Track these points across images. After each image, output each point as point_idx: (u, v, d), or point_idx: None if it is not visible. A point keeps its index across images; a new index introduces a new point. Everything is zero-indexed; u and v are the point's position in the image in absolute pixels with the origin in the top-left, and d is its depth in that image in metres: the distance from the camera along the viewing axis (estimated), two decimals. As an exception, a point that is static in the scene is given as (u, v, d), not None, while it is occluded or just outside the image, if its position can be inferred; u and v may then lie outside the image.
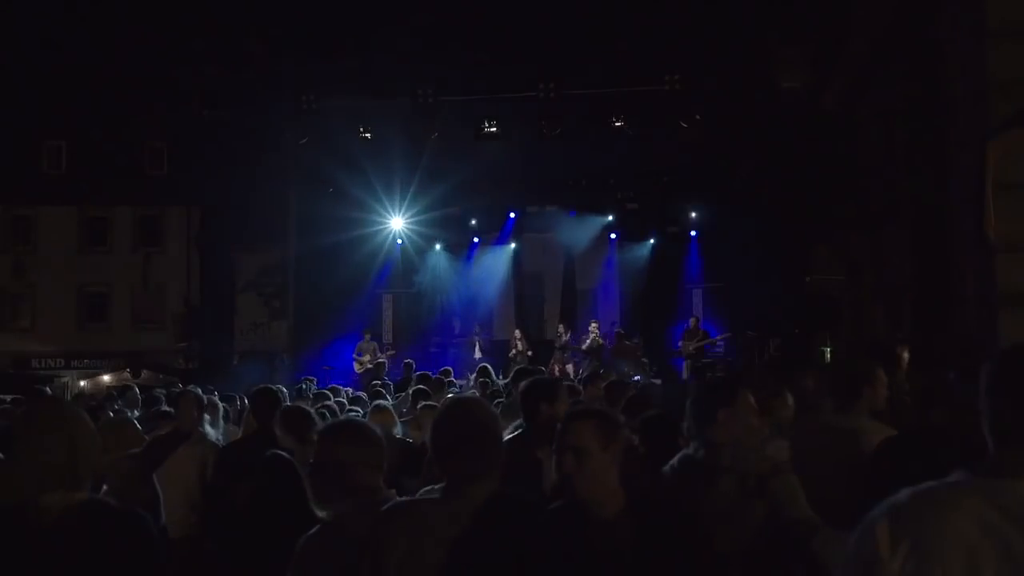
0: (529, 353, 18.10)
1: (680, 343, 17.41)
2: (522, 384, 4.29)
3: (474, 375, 10.44)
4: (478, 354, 18.07)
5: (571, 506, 2.70)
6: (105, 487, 3.30)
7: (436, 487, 2.71)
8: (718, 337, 17.62)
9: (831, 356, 14.78)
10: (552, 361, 17.82)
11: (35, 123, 26.28)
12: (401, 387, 10.46)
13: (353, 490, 2.71)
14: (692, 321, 17.59)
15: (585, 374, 11.58)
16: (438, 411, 2.74)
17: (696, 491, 3.09)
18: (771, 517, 3.01)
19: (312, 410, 5.06)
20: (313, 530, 2.73)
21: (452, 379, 10.69)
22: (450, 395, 7.76)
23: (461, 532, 2.37)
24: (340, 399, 7.92)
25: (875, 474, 3.89)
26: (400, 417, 6.66)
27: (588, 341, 17.51)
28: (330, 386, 9.93)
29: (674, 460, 3.33)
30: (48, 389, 8.23)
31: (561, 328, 18.34)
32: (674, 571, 2.59)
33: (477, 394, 7.98)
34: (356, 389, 10.99)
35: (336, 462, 2.75)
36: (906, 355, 8.58)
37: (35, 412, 2.80)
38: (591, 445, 2.65)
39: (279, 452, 3.63)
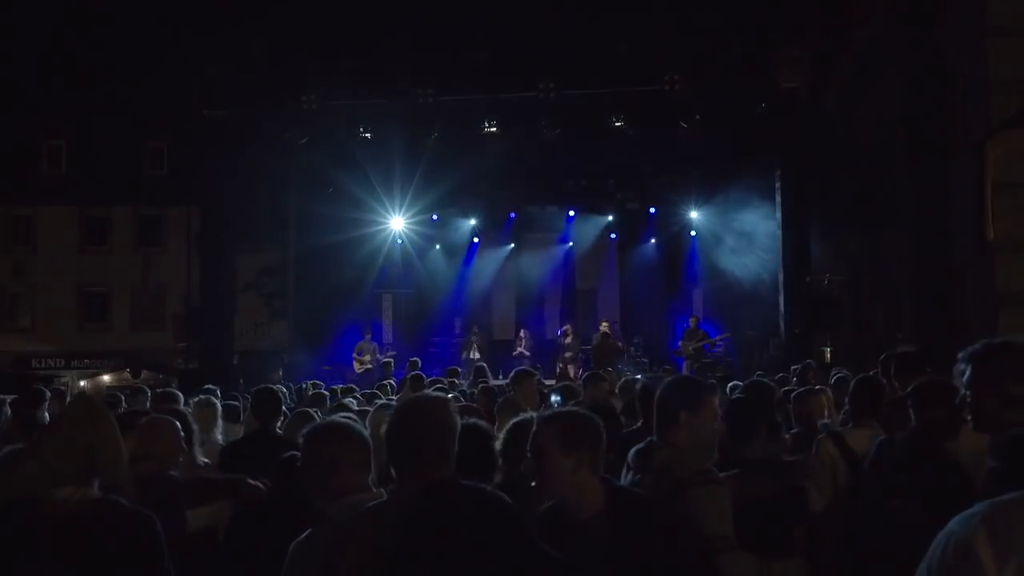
0: (527, 353, 18.14)
1: (680, 343, 17.42)
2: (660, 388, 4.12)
3: (471, 375, 10.46)
4: (476, 354, 18.08)
5: (552, 508, 2.74)
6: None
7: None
8: (717, 337, 17.62)
9: (831, 356, 14.78)
10: (556, 361, 17.83)
11: (35, 123, 26.30)
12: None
13: (341, 491, 2.72)
14: (692, 321, 17.60)
15: (586, 374, 11.58)
16: (392, 412, 2.69)
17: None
18: (684, 525, 2.86)
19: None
20: (304, 534, 2.73)
21: (457, 380, 10.70)
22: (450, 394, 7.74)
23: (394, 525, 2.34)
24: (349, 400, 7.85)
25: (872, 475, 3.89)
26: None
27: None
28: (343, 387, 9.89)
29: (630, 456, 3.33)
30: (43, 388, 8.15)
31: (569, 328, 18.36)
32: (649, 573, 2.57)
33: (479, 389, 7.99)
34: (358, 389, 10.97)
35: (322, 463, 2.76)
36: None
37: (62, 410, 2.86)
38: (551, 448, 2.68)
39: (295, 454, 3.62)
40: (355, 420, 3.63)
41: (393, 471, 2.51)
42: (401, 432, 2.51)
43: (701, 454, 3.15)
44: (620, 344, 17.56)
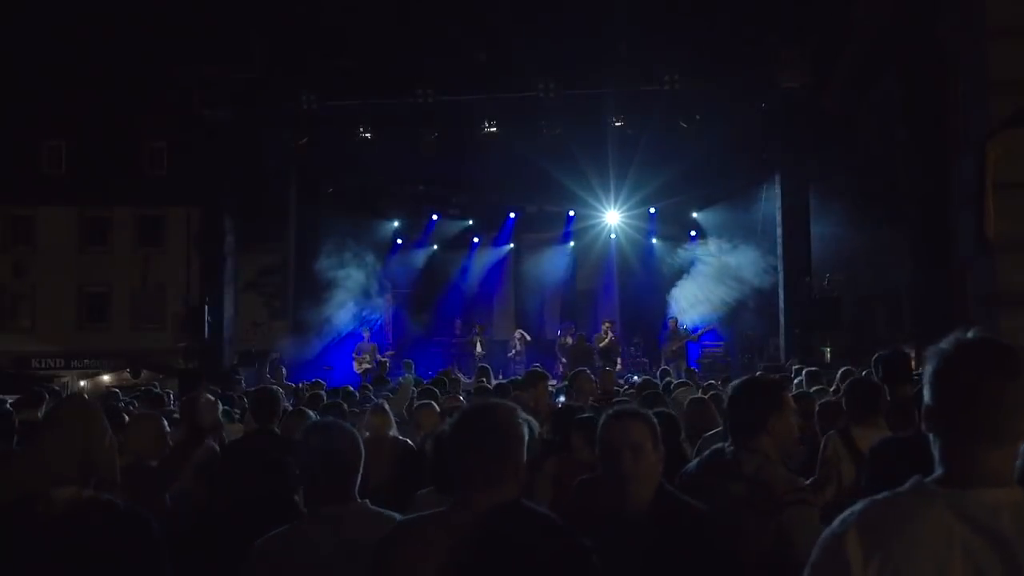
0: (522, 352, 18.12)
1: (663, 345, 17.44)
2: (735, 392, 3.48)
3: (475, 375, 10.45)
4: (480, 352, 18.07)
5: (602, 500, 2.68)
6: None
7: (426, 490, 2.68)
8: (699, 332, 17.57)
9: (831, 356, 14.78)
10: (559, 362, 17.80)
11: (35, 123, 26.31)
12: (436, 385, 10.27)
13: (328, 495, 2.71)
14: (671, 323, 17.58)
15: (571, 372, 11.55)
16: (456, 417, 2.55)
17: (712, 496, 2.93)
18: (778, 546, 2.75)
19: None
20: (274, 532, 2.73)
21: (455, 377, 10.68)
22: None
23: (457, 544, 2.23)
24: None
25: (868, 476, 3.88)
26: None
27: (606, 340, 17.46)
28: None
29: (702, 459, 3.15)
30: (42, 390, 8.14)
31: (573, 328, 18.34)
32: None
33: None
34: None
35: (313, 463, 2.76)
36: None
37: (56, 410, 2.86)
38: (645, 444, 2.63)
39: (287, 457, 3.64)
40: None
41: (454, 480, 2.38)
42: (468, 442, 2.34)
43: (786, 461, 3.02)
44: (591, 346, 17.39)
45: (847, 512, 1.65)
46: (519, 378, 8.88)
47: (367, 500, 2.80)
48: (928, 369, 1.68)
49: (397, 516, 2.75)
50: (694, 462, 3.21)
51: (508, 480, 2.30)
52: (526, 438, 2.37)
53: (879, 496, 1.66)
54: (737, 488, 2.91)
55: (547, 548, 2.22)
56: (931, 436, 1.67)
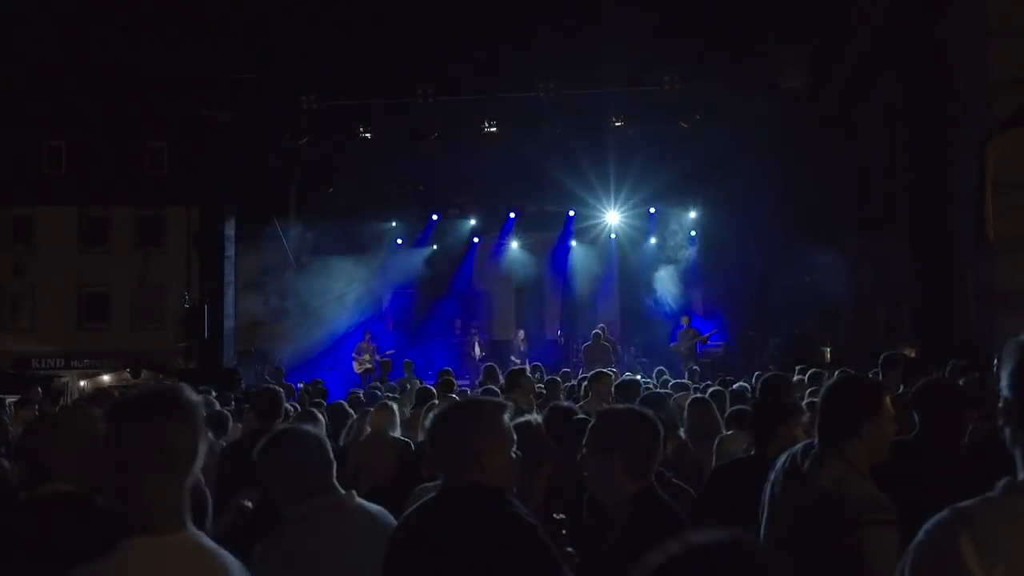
0: (521, 351, 18.11)
1: (676, 343, 17.44)
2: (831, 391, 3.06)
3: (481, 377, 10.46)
4: (479, 353, 18.06)
5: (592, 506, 2.75)
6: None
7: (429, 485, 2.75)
8: (707, 333, 17.59)
9: (831, 356, 14.79)
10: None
11: (35, 123, 26.30)
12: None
13: (303, 493, 2.78)
14: (684, 320, 17.58)
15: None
16: (436, 411, 2.65)
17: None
18: (849, 571, 2.53)
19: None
20: (269, 534, 2.79)
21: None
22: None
23: (420, 530, 2.39)
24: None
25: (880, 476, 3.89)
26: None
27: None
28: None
29: (784, 461, 2.91)
30: (39, 390, 8.18)
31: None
32: None
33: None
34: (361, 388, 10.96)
35: (280, 470, 2.83)
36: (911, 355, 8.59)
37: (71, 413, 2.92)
38: (588, 446, 2.65)
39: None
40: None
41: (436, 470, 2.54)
42: (440, 437, 2.49)
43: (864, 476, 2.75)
44: (606, 344, 17.31)
45: (940, 518, 1.53)
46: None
47: (353, 491, 2.86)
48: (1009, 364, 1.57)
49: (374, 508, 2.85)
50: (779, 464, 2.95)
51: (467, 467, 2.40)
52: (501, 429, 2.46)
53: (973, 503, 1.54)
54: (807, 500, 2.67)
55: (492, 525, 2.32)
56: (1008, 432, 1.58)
